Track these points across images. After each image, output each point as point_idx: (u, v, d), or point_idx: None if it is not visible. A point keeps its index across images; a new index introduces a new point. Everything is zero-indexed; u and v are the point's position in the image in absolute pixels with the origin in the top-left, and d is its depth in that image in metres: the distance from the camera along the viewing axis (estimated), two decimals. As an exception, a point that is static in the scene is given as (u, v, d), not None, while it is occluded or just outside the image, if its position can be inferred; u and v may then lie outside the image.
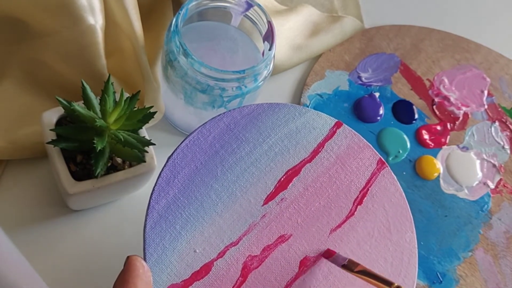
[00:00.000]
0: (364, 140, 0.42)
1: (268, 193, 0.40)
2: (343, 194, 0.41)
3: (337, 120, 0.42)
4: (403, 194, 0.41)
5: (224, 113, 0.40)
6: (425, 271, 0.52)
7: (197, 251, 0.37)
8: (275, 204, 0.39)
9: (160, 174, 0.38)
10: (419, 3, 0.68)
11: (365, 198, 0.41)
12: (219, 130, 0.40)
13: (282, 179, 0.40)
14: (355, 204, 0.41)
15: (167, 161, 0.38)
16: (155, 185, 0.38)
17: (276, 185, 0.40)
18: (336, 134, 0.42)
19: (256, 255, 0.38)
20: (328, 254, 0.38)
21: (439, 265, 0.53)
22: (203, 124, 0.40)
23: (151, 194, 0.37)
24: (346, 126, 0.42)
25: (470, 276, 0.53)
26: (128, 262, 0.34)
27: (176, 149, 0.39)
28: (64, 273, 0.46)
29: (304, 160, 0.41)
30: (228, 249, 0.37)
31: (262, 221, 0.39)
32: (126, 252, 0.48)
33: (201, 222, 0.38)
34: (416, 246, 0.40)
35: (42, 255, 0.46)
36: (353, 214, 0.40)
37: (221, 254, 0.37)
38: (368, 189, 0.41)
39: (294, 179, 0.40)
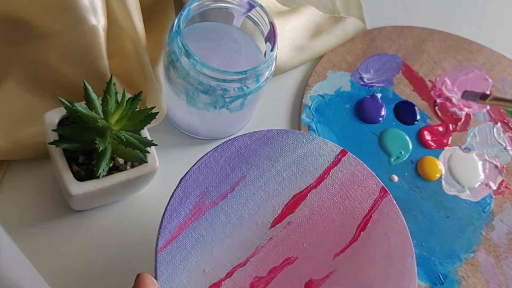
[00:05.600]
0: (368, 168, 0.44)
1: (275, 217, 0.40)
2: (347, 220, 0.42)
3: (342, 148, 0.44)
4: (404, 221, 0.42)
5: (235, 137, 0.42)
6: (427, 273, 0.52)
7: (206, 270, 0.37)
8: (282, 227, 0.40)
9: (172, 194, 0.39)
10: (421, 4, 0.68)
11: (368, 224, 0.42)
12: (230, 154, 0.41)
13: (289, 203, 0.41)
14: (359, 230, 0.41)
15: (179, 182, 0.39)
16: (168, 205, 0.39)
17: (283, 209, 0.41)
18: (341, 162, 0.43)
19: (263, 277, 0.39)
20: (476, 94, 0.43)
21: (440, 266, 0.52)
22: (215, 147, 0.41)
23: (164, 213, 0.38)
24: (351, 154, 0.44)
25: (472, 278, 0.53)
26: (139, 280, 0.34)
27: (188, 171, 0.40)
28: (66, 273, 0.46)
29: (310, 185, 0.42)
30: (236, 270, 0.38)
31: (269, 244, 0.40)
32: (128, 252, 0.48)
33: (211, 243, 0.38)
34: (416, 272, 0.41)
35: (44, 255, 0.46)
36: (356, 239, 0.41)
37: (229, 275, 0.38)
38: (371, 216, 0.42)
39: (300, 204, 0.41)
